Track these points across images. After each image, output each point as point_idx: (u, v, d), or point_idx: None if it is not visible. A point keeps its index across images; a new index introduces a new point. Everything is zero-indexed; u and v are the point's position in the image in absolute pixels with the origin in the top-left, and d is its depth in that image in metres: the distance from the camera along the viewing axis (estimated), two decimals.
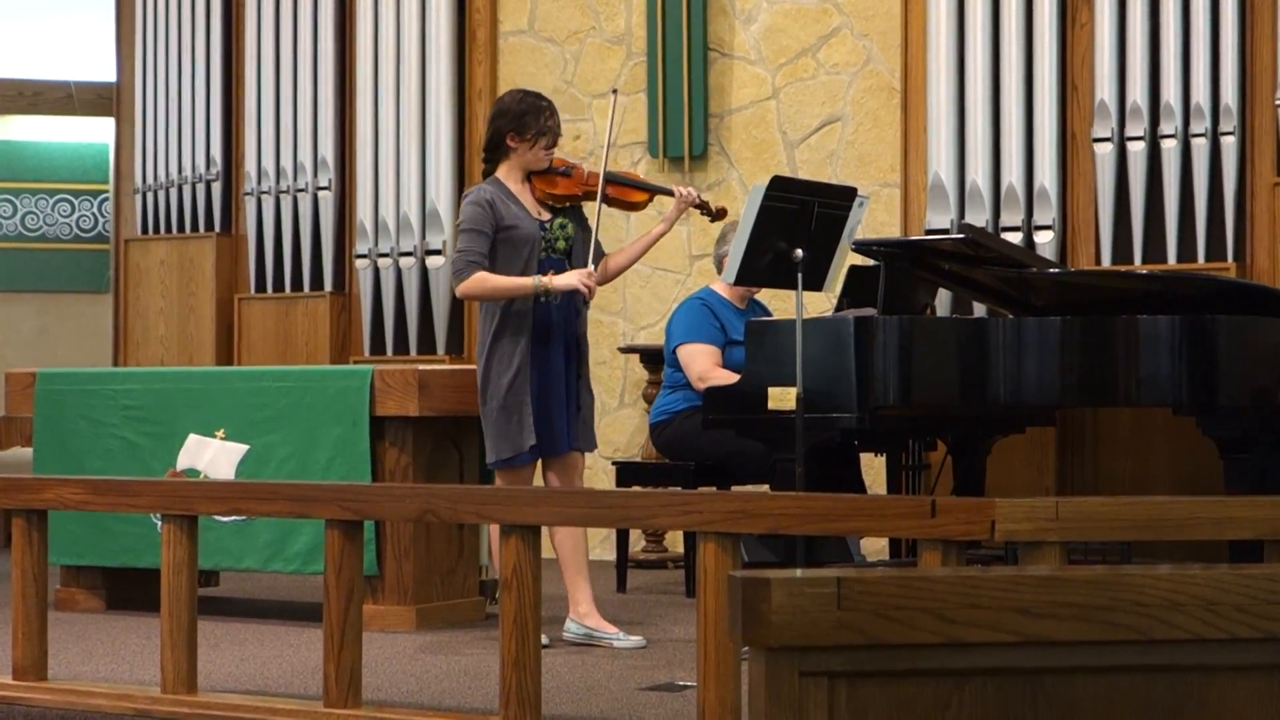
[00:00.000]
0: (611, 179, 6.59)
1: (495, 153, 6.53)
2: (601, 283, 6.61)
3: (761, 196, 6.00)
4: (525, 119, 6.45)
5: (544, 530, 6.83)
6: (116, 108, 11.10)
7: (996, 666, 1.93)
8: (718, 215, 6.74)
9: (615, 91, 7.08)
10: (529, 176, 6.50)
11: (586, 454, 6.61)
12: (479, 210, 6.37)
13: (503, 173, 6.50)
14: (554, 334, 6.39)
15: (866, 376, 6.27)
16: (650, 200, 6.74)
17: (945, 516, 4.21)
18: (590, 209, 6.52)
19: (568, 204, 6.53)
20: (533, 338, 6.35)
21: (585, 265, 6.42)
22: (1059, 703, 1.94)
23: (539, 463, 6.48)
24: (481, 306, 6.49)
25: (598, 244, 6.51)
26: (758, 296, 7.71)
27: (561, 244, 6.44)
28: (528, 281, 6.29)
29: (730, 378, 6.93)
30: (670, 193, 6.64)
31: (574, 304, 6.44)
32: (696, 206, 6.61)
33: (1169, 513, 4.27)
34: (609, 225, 8.71)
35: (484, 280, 6.32)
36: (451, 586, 7.04)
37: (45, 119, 12.80)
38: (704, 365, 7.31)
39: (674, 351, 7.46)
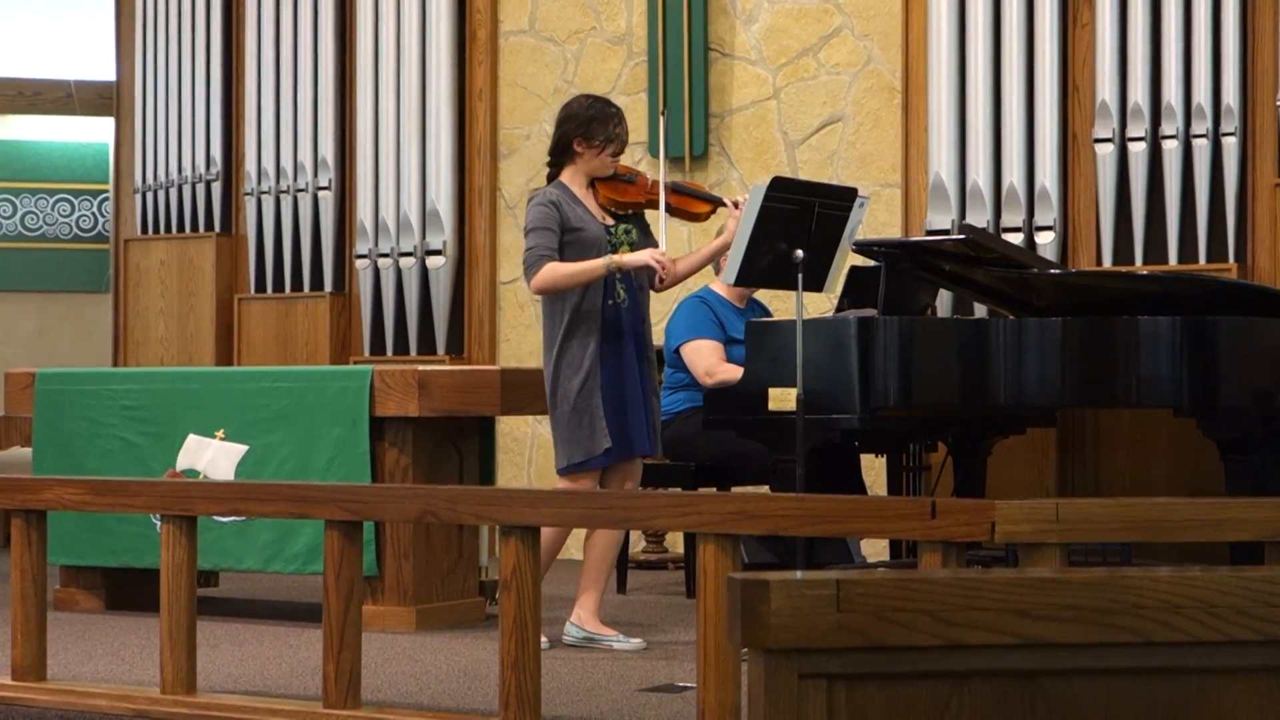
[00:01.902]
0: (675, 189, 6.57)
1: (561, 157, 6.47)
2: (666, 287, 6.56)
3: (762, 197, 6.00)
4: (594, 125, 6.40)
5: (582, 532, 6.80)
6: (116, 107, 11.10)
7: (996, 668, 1.93)
8: None
9: (663, 112, 7.04)
10: (593, 183, 6.47)
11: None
12: (545, 210, 6.33)
13: (567, 177, 6.46)
14: (624, 336, 6.33)
15: (867, 377, 6.26)
16: (713, 212, 6.68)
17: (945, 518, 4.20)
18: (652, 217, 6.49)
19: (631, 211, 6.50)
20: (601, 340, 6.30)
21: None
22: (1058, 705, 1.94)
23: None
24: (546, 311, 6.41)
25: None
26: (757, 296, 7.71)
27: (627, 248, 6.41)
28: (599, 262, 6.23)
29: (737, 372, 6.92)
30: (730, 204, 6.57)
31: (641, 307, 6.38)
32: None
33: (1169, 514, 4.27)
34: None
35: (555, 269, 6.26)
36: (451, 587, 7.04)
37: (45, 118, 12.80)
38: (710, 360, 7.30)
39: (675, 352, 7.46)
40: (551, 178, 6.51)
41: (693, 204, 6.62)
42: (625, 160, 9.33)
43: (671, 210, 6.52)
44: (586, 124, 6.40)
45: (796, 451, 5.94)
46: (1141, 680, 1.95)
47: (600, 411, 6.25)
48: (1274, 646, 1.95)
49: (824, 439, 6.30)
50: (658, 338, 7.96)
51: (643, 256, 6.25)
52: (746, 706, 2.00)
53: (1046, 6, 8.38)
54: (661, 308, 9.10)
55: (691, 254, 6.68)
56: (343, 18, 10.16)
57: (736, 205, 6.44)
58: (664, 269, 6.25)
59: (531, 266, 6.29)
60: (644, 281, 6.43)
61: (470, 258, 9.82)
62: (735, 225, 6.37)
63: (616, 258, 6.25)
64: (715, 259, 6.69)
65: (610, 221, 6.43)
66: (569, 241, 6.32)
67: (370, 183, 9.95)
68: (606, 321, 6.30)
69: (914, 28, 8.70)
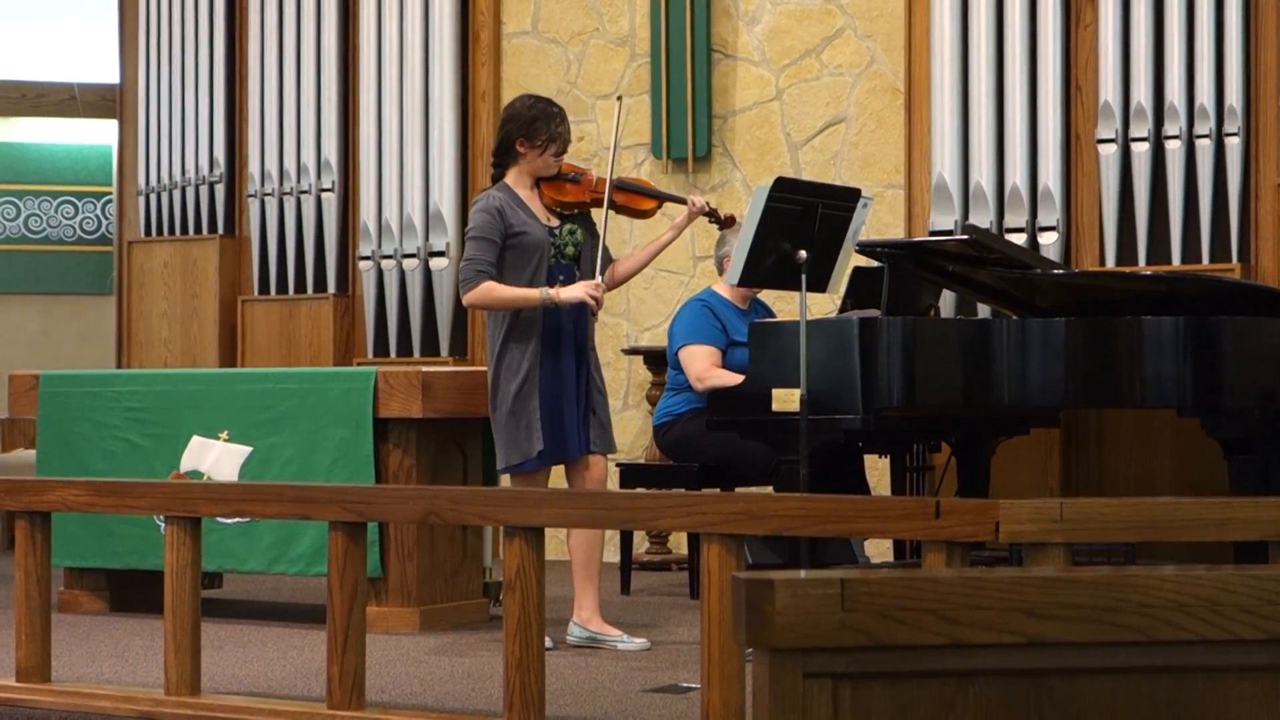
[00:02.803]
0: (620, 186, 6.58)
1: (504, 158, 6.50)
2: (609, 288, 6.61)
3: (765, 198, 6.00)
4: (536, 125, 6.42)
5: (563, 532, 6.85)
6: (120, 109, 11.10)
7: (1000, 668, 1.93)
8: (726, 223, 6.74)
9: (620, 99, 7.04)
10: (538, 182, 6.48)
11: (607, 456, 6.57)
12: (488, 218, 6.35)
13: (511, 178, 6.48)
14: (564, 339, 6.37)
15: (870, 378, 6.26)
16: (659, 208, 6.73)
17: (949, 518, 4.20)
18: (598, 215, 6.50)
19: (576, 210, 6.52)
20: (542, 343, 6.34)
21: (594, 271, 6.41)
22: (1063, 704, 1.94)
23: (562, 469, 6.46)
24: (490, 312, 6.48)
25: (605, 250, 6.49)
26: (760, 296, 7.71)
27: (571, 250, 6.44)
28: (534, 294, 6.27)
29: (729, 378, 6.93)
30: (680, 200, 6.63)
31: (583, 308, 6.43)
32: (705, 214, 6.60)
33: (1173, 514, 4.27)
34: (614, 231, 8.70)
35: (491, 290, 6.31)
36: (455, 588, 7.04)
37: (49, 121, 12.81)
38: (702, 366, 7.30)
39: (676, 354, 7.46)
40: (496, 179, 6.53)
41: (638, 200, 6.65)
42: (628, 162, 9.35)
43: (617, 208, 6.56)
44: (529, 124, 6.42)
45: (800, 452, 5.94)
46: (1147, 679, 1.95)
47: (536, 414, 6.28)
48: (1279, 645, 1.95)
49: (827, 439, 6.30)
50: (660, 339, 7.97)
51: (577, 292, 6.28)
52: (751, 706, 2.00)
53: (1049, 7, 8.38)
54: (665, 308, 9.11)
55: (638, 251, 6.70)
56: (346, 19, 10.17)
57: (699, 206, 6.48)
58: (596, 303, 6.30)
59: (468, 281, 6.34)
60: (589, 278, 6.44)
61: None
62: (685, 220, 6.47)
63: (552, 293, 6.27)
64: (658, 255, 6.71)
65: (555, 222, 6.45)
66: (512, 245, 6.35)
67: (373, 184, 9.95)
68: (547, 324, 6.34)
69: (916, 28, 8.70)
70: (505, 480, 6.50)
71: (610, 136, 6.79)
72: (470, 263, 6.34)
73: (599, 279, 6.35)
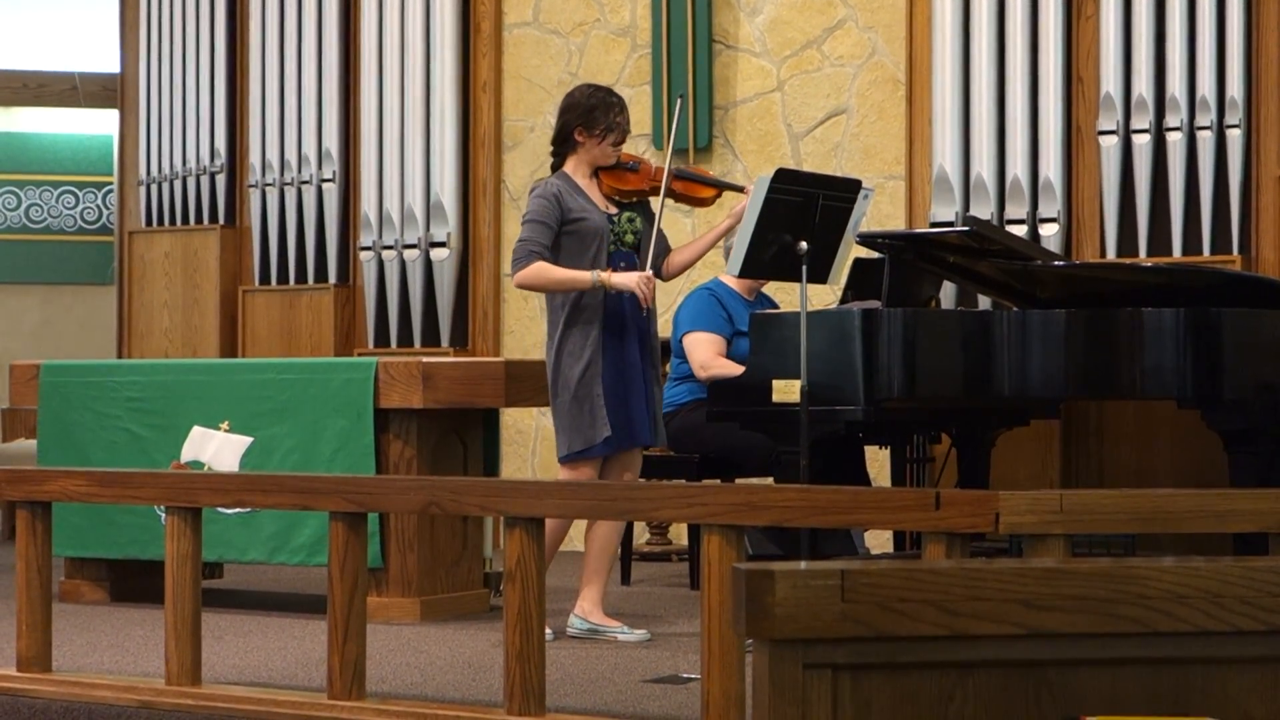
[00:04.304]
0: (680, 175, 6.57)
1: (563, 147, 6.47)
2: (668, 277, 6.57)
3: (766, 189, 6.00)
4: (595, 114, 6.40)
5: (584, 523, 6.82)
6: (121, 99, 11.10)
7: (1000, 659, 1.93)
8: None
9: (681, 97, 6.98)
10: (596, 172, 6.47)
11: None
12: (545, 203, 6.32)
13: (570, 167, 6.46)
14: (627, 325, 6.33)
15: (871, 369, 6.27)
16: (718, 196, 6.70)
17: (949, 509, 4.21)
18: (657, 204, 6.48)
19: (635, 199, 6.50)
20: (604, 329, 6.30)
21: (650, 259, 6.38)
22: (1062, 695, 1.94)
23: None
24: (549, 297, 6.43)
25: (662, 238, 6.45)
26: (765, 289, 7.70)
27: (630, 237, 6.40)
28: (586, 276, 6.23)
29: (732, 367, 6.93)
30: (739, 189, 6.58)
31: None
32: None
33: (1173, 505, 4.27)
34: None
35: (543, 270, 6.27)
36: (456, 579, 7.05)
37: (50, 111, 12.80)
38: (706, 354, 7.30)
39: (680, 341, 7.46)
40: (555, 168, 6.51)
41: (697, 189, 6.62)
42: (629, 150, 9.32)
43: (676, 196, 6.53)
44: (587, 113, 6.40)
45: (800, 443, 5.94)
46: (1146, 670, 1.95)
47: (601, 400, 6.25)
48: (1279, 637, 1.95)
49: (828, 431, 6.30)
50: (665, 328, 7.98)
51: (629, 281, 6.22)
52: (751, 697, 2.00)
53: None
54: (667, 299, 9.11)
55: (695, 241, 6.67)
56: (347, 10, 10.16)
57: (745, 190, 6.44)
58: (646, 299, 6.25)
59: (521, 260, 6.28)
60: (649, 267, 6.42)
61: (474, 250, 9.82)
62: (741, 208, 6.37)
63: (604, 276, 6.24)
64: (717, 243, 6.66)
65: (614, 210, 6.43)
66: (570, 231, 6.32)
67: (374, 175, 9.95)
68: (609, 309, 6.30)
69: (918, 20, 8.70)
70: (560, 470, 6.43)
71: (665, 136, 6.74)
72: (524, 243, 6.30)
73: (649, 271, 6.30)
